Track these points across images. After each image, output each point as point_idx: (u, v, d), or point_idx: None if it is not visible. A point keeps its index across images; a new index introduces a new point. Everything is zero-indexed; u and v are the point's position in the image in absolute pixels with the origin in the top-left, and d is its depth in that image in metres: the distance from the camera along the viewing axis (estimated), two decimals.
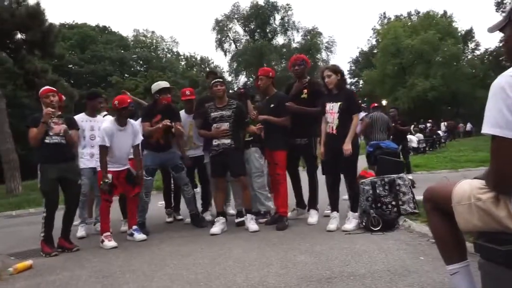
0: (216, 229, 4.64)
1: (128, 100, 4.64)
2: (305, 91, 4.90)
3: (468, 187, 1.80)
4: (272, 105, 4.89)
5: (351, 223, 4.39)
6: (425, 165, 11.56)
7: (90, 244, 4.63)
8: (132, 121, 4.77)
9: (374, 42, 45.65)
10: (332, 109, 4.40)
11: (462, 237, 2.01)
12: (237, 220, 5.05)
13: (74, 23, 41.29)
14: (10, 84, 18.10)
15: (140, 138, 4.78)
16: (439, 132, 23.28)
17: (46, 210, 4.31)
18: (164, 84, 5.23)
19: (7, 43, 13.41)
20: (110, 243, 4.41)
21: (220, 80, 4.88)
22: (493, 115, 1.58)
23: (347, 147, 4.26)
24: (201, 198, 5.70)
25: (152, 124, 4.96)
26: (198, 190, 5.86)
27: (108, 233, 4.52)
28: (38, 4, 12.84)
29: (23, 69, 13.99)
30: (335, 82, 4.38)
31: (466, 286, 1.94)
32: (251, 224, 4.69)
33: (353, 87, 47.35)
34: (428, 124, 24.85)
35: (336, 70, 4.43)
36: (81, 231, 5.09)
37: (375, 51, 42.86)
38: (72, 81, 34.56)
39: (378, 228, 4.19)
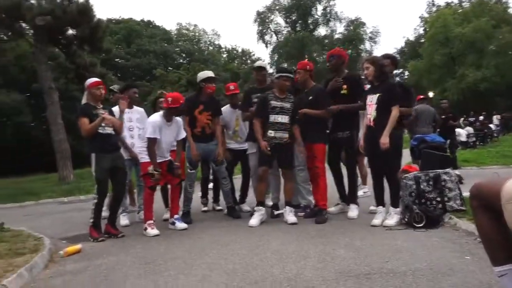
0: (254, 221, 4.67)
1: (181, 101, 4.72)
2: (345, 86, 4.81)
3: None
4: (310, 98, 4.86)
5: (393, 218, 4.28)
6: (475, 160, 10.98)
7: (134, 232, 4.82)
8: (177, 118, 4.89)
9: (421, 31, 43.70)
10: (372, 101, 4.30)
11: None
12: (276, 212, 5.07)
13: (120, 18, 42.78)
14: (63, 77, 19.14)
15: (183, 133, 4.92)
16: (491, 125, 21.96)
17: (98, 197, 4.53)
18: (210, 73, 5.34)
19: (59, 39, 14.13)
20: (153, 231, 4.58)
21: (290, 76, 4.86)
22: None
23: (384, 140, 4.13)
24: (240, 189, 5.77)
25: (194, 113, 5.07)
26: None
27: (151, 221, 4.69)
28: (87, 0, 13.41)
29: (74, 63, 14.71)
30: (372, 74, 4.28)
31: None
32: (290, 216, 4.69)
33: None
34: (481, 117, 23.50)
35: (374, 61, 4.31)
36: (124, 220, 5.28)
37: (422, 40, 41.04)
38: (119, 74, 35.94)
39: (421, 224, 4.05)
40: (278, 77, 4.82)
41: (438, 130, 8.94)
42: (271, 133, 4.71)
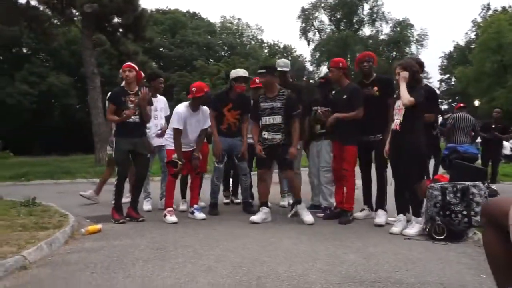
0: (256, 217, 4.63)
1: (205, 90, 4.77)
2: (376, 88, 4.71)
3: None
4: (344, 96, 4.76)
5: (413, 228, 4.14)
6: None
7: (154, 217, 4.95)
8: (204, 107, 4.94)
9: (472, 36, 41.61)
10: (400, 106, 4.15)
11: None
12: (291, 213, 5.03)
13: (167, 9, 43.80)
14: (108, 64, 19.87)
15: (208, 122, 4.97)
16: None
17: (117, 179, 4.72)
18: (242, 72, 5.29)
19: (105, 27, 14.68)
20: (171, 218, 4.69)
21: (261, 71, 4.67)
22: None
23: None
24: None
25: (223, 111, 5.11)
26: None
27: (171, 209, 4.81)
28: None
29: (118, 51, 15.26)
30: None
31: None
32: (307, 216, 4.63)
33: (443, 83, 43.96)
34: None
35: (406, 67, 4.14)
36: (147, 205, 5.46)
37: (472, 46, 39.09)
38: (162, 64, 36.85)
39: (442, 237, 3.89)
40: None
41: (478, 140, 8.53)
42: (264, 134, 4.67)
